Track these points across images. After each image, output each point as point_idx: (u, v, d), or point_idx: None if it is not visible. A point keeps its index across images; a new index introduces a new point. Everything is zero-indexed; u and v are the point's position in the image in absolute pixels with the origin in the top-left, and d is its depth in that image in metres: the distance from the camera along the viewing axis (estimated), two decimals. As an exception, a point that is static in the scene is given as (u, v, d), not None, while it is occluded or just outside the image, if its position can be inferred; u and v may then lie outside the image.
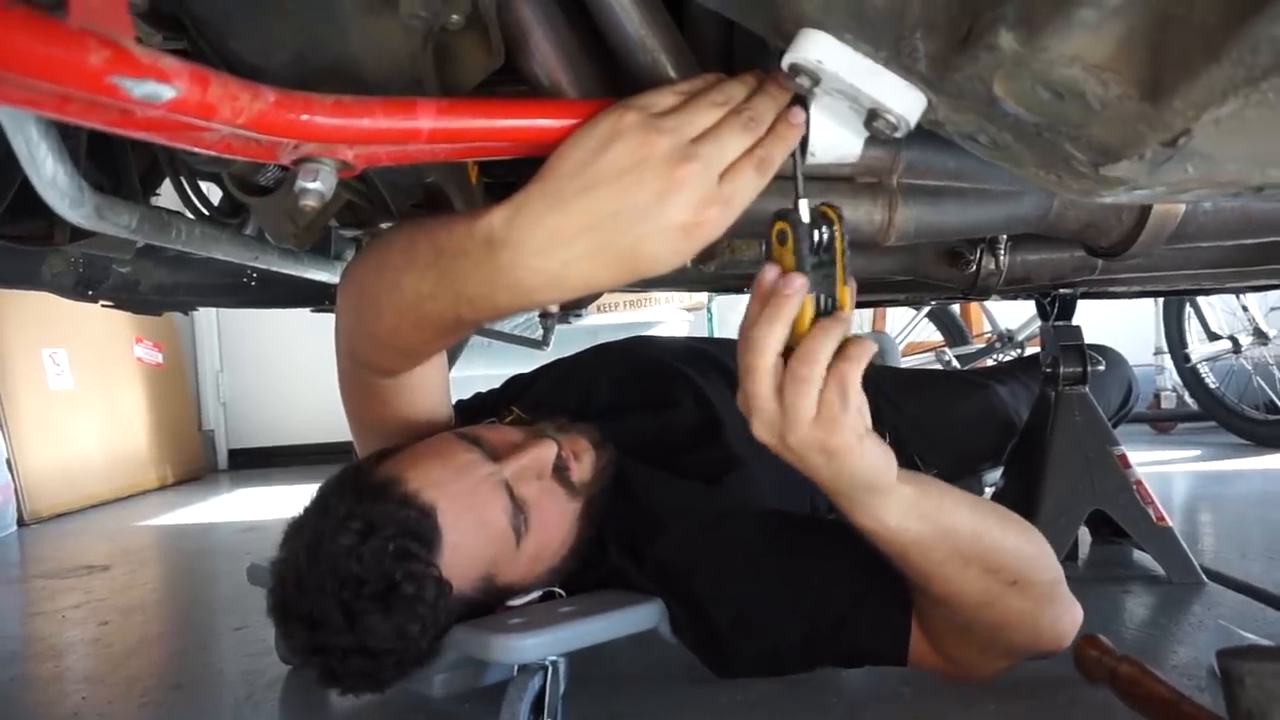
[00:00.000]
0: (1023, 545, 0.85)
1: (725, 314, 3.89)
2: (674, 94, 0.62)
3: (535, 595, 0.98)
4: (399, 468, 0.90)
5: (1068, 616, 0.89)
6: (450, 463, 0.91)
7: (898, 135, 0.60)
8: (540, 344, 2.42)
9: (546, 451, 0.96)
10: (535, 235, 0.61)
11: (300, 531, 0.89)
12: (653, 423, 1.17)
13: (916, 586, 0.85)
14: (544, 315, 2.28)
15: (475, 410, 1.21)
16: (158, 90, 0.43)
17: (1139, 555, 1.51)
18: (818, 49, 0.57)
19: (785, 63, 0.59)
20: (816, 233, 0.65)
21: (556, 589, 1.00)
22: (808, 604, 0.93)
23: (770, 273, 0.66)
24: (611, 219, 0.60)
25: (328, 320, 1.91)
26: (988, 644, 0.89)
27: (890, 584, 0.90)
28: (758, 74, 0.64)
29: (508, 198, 0.64)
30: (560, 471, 0.97)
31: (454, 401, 1.28)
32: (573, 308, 2.40)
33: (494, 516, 0.91)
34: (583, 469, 1.00)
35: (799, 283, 0.64)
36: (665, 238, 0.60)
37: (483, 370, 2.59)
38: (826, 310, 0.67)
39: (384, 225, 1.01)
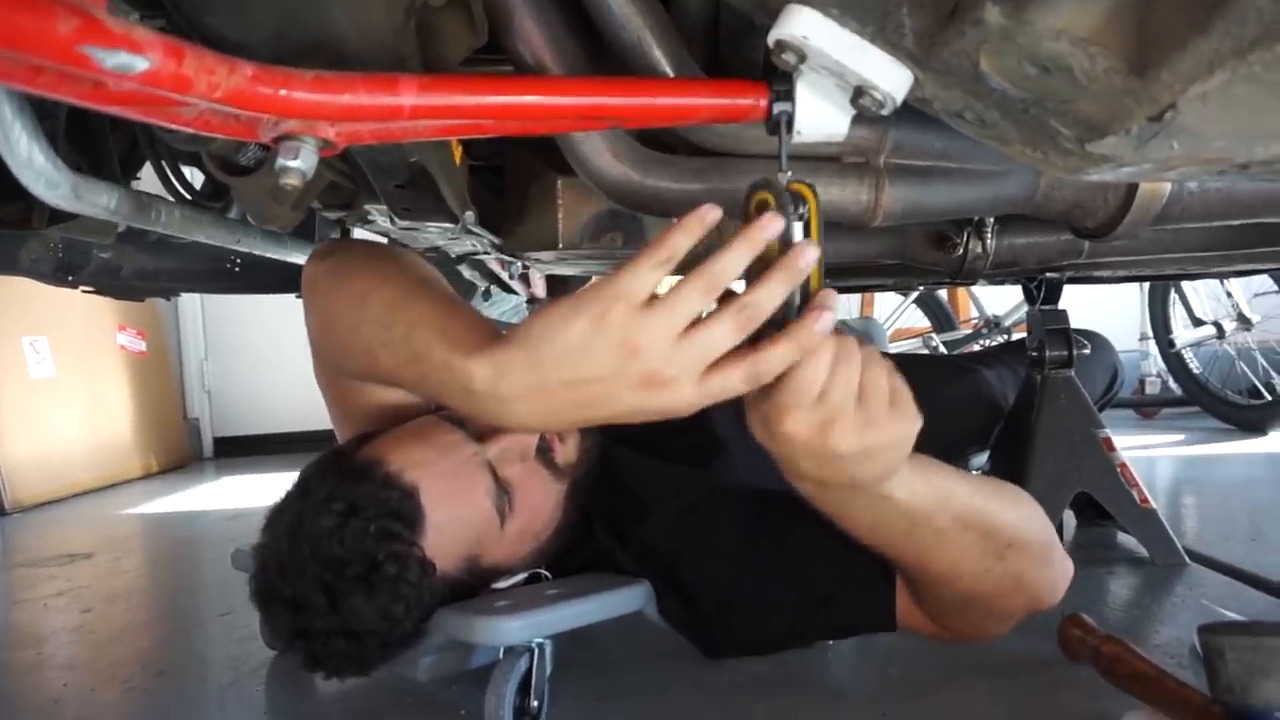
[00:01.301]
0: (1015, 506, 0.85)
1: (713, 300, 3.87)
2: (655, 266, 0.60)
3: (521, 577, 0.98)
4: (381, 449, 0.90)
5: (1061, 573, 0.89)
6: (433, 443, 0.91)
7: (884, 113, 0.60)
8: (527, 330, 2.41)
9: (529, 433, 0.95)
10: (515, 397, 0.64)
11: (281, 515, 0.89)
12: None
13: (918, 567, 0.84)
14: (531, 301, 2.28)
15: None
16: (130, 61, 0.43)
17: (1123, 537, 1.52)
18: (803, 25, 0.57)
19: (771, 39, 0.58)
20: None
21: (542, 571, 1.00)
22: (792, 583, 0.93)
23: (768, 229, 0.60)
24: (591, 396, 0.62)
25: (312, 306, 1.88)
26: (987, 612, 0.88)
27: (873, 556, 0.89)
28: (753, 232, 0.60)
29: (486, 348, 0.65)
30: (544, 453, 0.97)
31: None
32: (559, 293, 2.39)
33: (477, 497, 0.90)
34: (567, 451, 1.00)
35: (814, 253, 0.60)
36: (640, 414, 0.63)
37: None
38: (801, 300, 0.63)
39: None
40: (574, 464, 1.00)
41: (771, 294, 0.60)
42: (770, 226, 0.60)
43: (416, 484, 0.87)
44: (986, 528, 0.80)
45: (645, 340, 0.60)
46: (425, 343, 0.70)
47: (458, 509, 0.89)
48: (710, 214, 0.61)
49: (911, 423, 0.67)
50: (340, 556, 0.82)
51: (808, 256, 0.60)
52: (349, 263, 0.82)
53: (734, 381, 0.61)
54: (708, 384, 0.61)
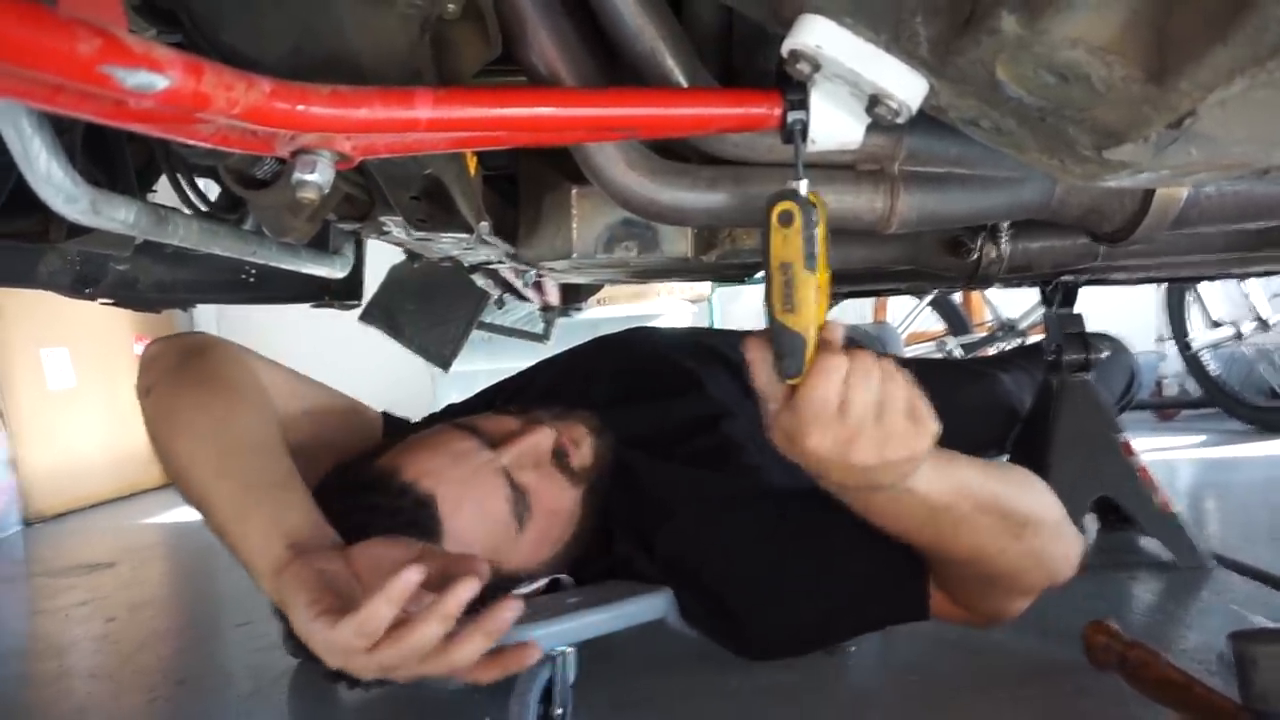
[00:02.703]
0: (1028, 488, 0.86)
1: (727, 305, 3.88)
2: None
3: (541, 583, 0.98)
4: (396, 460, 0.90)
5: (1075, 547, 0.90)
6: (447, 451, 0.91)
7: (899, 121, 0.60)
8: (542, 338, 2.42)
9: (543, 438, 0.96)
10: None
11: None
12: (653, 413, 1.16)
13: (940, 551, 0.85)
14: (545, 309, 2.28)
15: (470, 411, 1.21)
16: (151, 80, 0.43)
17: (1146, 541, 1.50)
18: (817, 34, 0.57)
19: (785, 48, 0.58)
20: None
21: (563, 576, 1.00)
22: (823, 579, 0.92)
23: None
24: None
25: (328, 316, 1.90)
26: (1009, 589, 0.89)
27: (901, 547, 0.88)
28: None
29: (269, 572, 0.73)
30: (560, 458, 0.97)
31: (447, 404, 1.28)
32: (572, 301, 2.40)
33: (495, 504, 0.91)
34: (582, 455, 1.00)
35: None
36: None
37: (484, 365, 2.58)
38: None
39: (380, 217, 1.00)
40: (589, 467, 1.00)
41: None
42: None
43: (433, 493, 0.87)
44: (1003, 510, 0.82)
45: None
46: (224, 533, 0.80)
47: (476, 517, 0.89)
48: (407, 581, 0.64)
49: (927, 435, 0.69)
50: None
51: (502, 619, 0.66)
52: (171, 407, 0.88)
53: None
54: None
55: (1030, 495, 0.86)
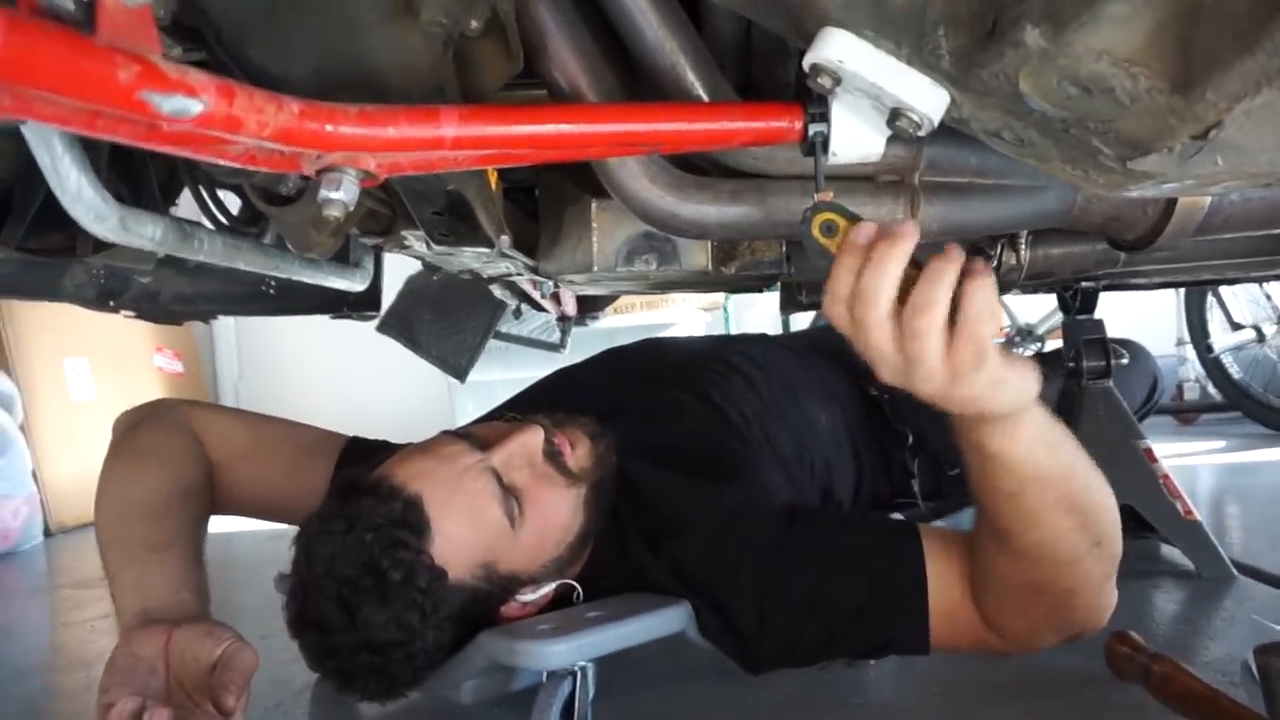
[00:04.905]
0: (1112, 506, 0.80)
1: (741, 313, 3.89)
2: None
3: (549, 589, 0.98)
4: (387, 468, 0.93)
5: (1113, 596, 0.85)
6: (435, 455, 0.93)
7: (920, 134, 0.60)
8: (558, 347, 2.42)
9: (532, 437, 0.96)
10: None
11: (300, 542, 0.91)
12: (656, 424, 1.16)
13: (1007, 539, 0.79)
14: (561, 319, 2.29)
15: None
16: (186, 105, 0.44)
17: (1167, 550, 1.49)
18: (839, 48, 0.57)
19: (806, 62, 0.59)
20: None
21: (573, 583, 1.00)
22: (824, 596, 0.91)
23: (867, 229, 0.62)
24: None
25: (347, 327, 1.91)
26: (1050, 612, 0.83)
27: (904, 570, 0.87)
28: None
29: (128, 626, 0.84)
30: (554, 458, 0.97)
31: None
32: (589, 310, 2.41)
33: (483, 502, 0.91)
34: (580, 456, 1.00)
35: (912, 225, 0.61)
36: None
37: (501, 375, 2.59)
38: None
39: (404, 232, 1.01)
40: (589, 469, 1.00)
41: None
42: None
43: (420, 493, 0.88)
44: (1087, 519, 0.77)
45: None
46: (111, 592, 0.90)
47: (464, 515, 0.90)
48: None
49: (977, 358, 0.62)
50: (349, 573, 0.84)
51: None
52: (100, 477, 1.02)
53: None
54: None
55: (1111, 514, 0.79)
